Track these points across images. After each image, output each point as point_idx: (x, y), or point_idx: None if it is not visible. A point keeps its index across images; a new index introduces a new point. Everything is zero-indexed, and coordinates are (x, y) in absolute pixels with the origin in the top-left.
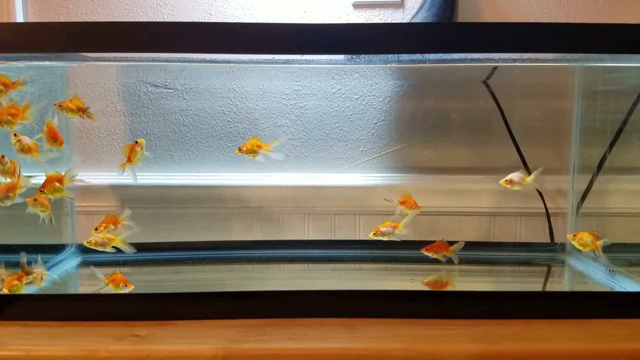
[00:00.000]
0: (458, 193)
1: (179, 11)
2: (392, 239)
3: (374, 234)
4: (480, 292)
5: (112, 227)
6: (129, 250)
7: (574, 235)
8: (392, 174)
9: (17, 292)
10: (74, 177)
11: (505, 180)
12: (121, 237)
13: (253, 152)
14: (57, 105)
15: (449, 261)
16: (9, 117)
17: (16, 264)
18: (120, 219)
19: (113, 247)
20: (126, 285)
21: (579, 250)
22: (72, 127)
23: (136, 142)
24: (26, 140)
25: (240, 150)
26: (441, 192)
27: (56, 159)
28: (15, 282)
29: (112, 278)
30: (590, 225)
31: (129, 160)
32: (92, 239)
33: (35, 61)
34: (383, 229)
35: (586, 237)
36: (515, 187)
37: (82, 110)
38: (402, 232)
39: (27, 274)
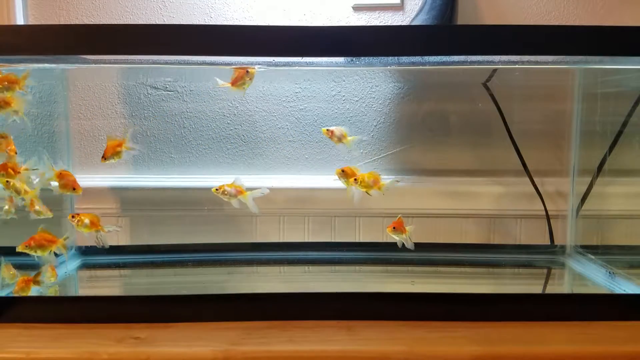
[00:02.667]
0: (458, 195)
1: (179, 14)
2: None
3: (216, 189)
4: (481, 294)
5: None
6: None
7: (357, 181)
8: (392, 176)
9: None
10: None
11: (327, 130)
12: (35, 192)
13: (117, 153)
14: None
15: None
16: (7, 84)
17: (16, 266)
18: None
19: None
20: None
21: (580, 253)
22: (72, 129)
23: (247, 70)
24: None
25: (104, 158)
26: (441, 194)
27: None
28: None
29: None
30: (590, 227)
31: (235, 82)
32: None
33: (34, 63)
34: (228, 189)
35: (367, 177)
36: (334, 140)
37: None
38: (248, 203)
39: (36, 282)
